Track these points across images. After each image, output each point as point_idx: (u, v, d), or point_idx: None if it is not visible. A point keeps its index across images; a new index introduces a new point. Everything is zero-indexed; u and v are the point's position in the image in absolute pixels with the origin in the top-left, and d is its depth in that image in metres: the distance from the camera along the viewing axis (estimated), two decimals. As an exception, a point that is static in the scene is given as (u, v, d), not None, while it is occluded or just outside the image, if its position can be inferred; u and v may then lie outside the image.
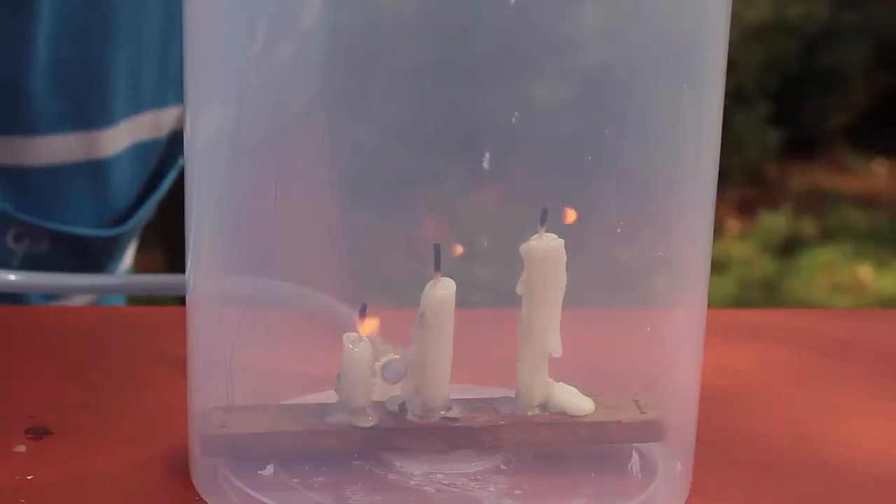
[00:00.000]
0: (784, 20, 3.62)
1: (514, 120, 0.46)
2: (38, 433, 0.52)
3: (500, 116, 0.46)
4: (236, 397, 0.48)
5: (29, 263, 0.81)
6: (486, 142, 0.46)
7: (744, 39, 3.44)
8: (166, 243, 1.01)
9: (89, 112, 0.81)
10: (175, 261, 0.98)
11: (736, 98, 3.41)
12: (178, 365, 0.50)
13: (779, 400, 0.60)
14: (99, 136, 0.81)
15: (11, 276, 0.67)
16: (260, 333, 0.50)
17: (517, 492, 0.47)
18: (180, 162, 0.88)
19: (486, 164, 0.46)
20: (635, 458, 0.49)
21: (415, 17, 0.46)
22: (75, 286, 0.72)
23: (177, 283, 0.71)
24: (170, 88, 0.85)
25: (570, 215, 0.47)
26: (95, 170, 0.83)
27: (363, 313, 0.46)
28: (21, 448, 0.51)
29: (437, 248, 0.46)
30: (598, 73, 0.47)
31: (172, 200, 0.89)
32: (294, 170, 0.49)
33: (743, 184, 3.47)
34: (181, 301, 0.60)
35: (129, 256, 0.92)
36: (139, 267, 0.98)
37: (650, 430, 0.48)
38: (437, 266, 0.46)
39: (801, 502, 0.50)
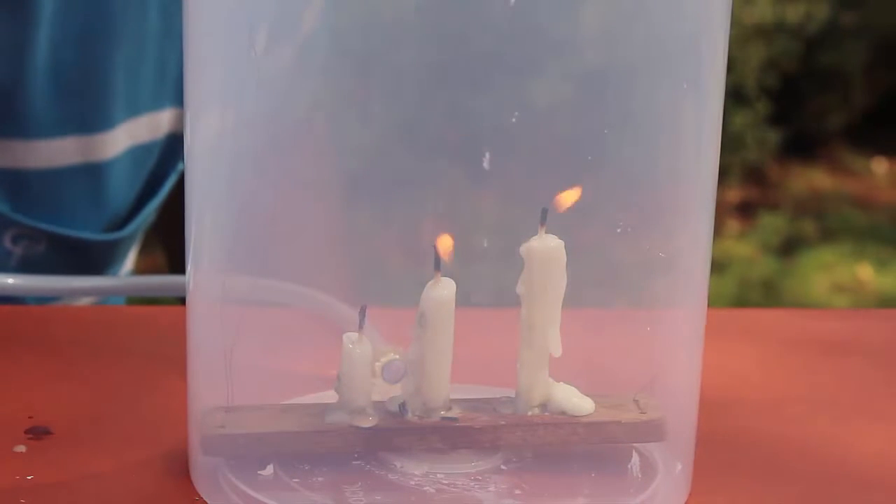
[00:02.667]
0: (784, 20, 3.62)
1: (514, 120, 0.46)
2: (38, 433, 0.52)
3: (500, 116, 0.46)
4: (236, 397, 0.48)
5: (27, 265, 0.81)
6: (486, 142, 0.46)
7: (744, 39, 3.44)
8: (167, 244, 1.01)
9: (88, 115, 0.81)
10: (176, 261, 0.98)
11: (736, 98, 3.40)
12: (178, 365, 0.50)
13: (779, 400, 0.60)
14: (97, 139, 0.82)
15: (10, 280, 0.67)
16: (260, 333, 0.50)
17: (517, 492, 0.47)
18: (180, 166, 0.88)
19: (486, 164, 0.46)
20: (635, 458, 0.49)
21: (415, 18, 0.46)
22: (74, 289, 0.72)
23: (176, 285, 0.71)
24: (167, 90, 0.85)
25: (568, 199, 0.46)
26: (93, 173, 0.82)
27: (363, 317, 0.46)
28: (21, 448, 0.51)
29: (437, 248, 0.46)
30: (598, 73, 0.47)
31: (174, 201, 0.89)
32: (294, 170, 0.49)
33: (743, 184, 3.47)
34: (181, 301, 0.60)
35: (130, 260, 0.92)
36: (140, 268, 0.98)
37: (650, 430, 0.48)
38: (437, 266, 0.46)
39: (801, 502, 0.50)
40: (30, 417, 0.53)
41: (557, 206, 0.46)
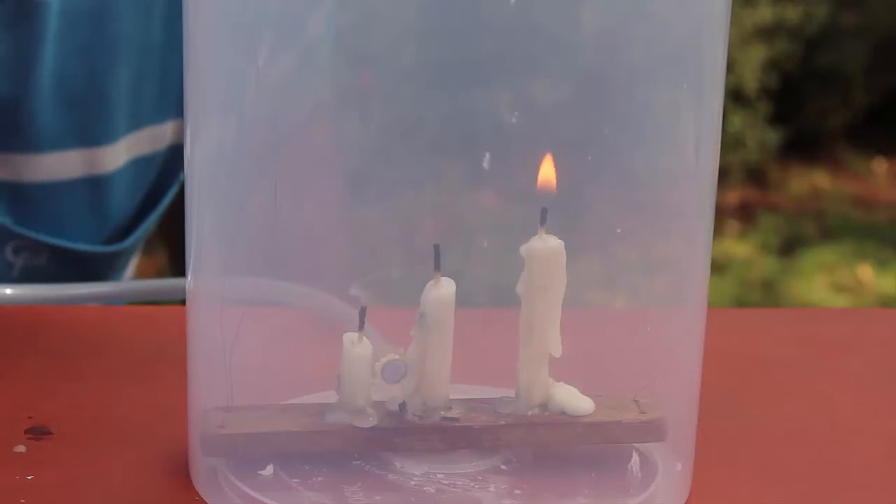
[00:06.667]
0: (784, 20, 3.62)
1: (514, 120, 0.46)
2: (38, 433, 0.52)
3: (500, 116, 0.46)
4: (236, 397, 0.48)
5: (28, 276, 0.81)
6: (486, 142, 0.46)
7: (744, 39, 3.44)
8: (169, 243, 1.01)
9: (91, 129, 0.81)
10: (178, 260, 0.98)
11: (736, 98, 3.41)
12: (179, 365, 0.51)
13: (779, 400, 0.60)
14: (100, 152, 0.82)
15: (8, 290, 0.68)
16: (260, 333, 0.50)
17: (517, 492, 0.47)
18: (181, 177, 0.88)
19: (486, 164, 0.46)
20: (635, 458, 0.49)
21: (415, 18, 0.46)
22: (73, 296, 0.72)
23: (176, 289, 0.71)
24: (170, 104, 0.85)
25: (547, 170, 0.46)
26: (95, 185, 0.83)
27: (363, 317, 0.46)
28: (21, 448, 0.51)
29: (437, 248, 0.46)
30: (598, 73, 0.47)
31: (177, 201, 0.89)
32: (294, 171, 0.49)
33: (743, 184, 3.47)
34: (182, 301, 0.59)
35: (130, 270, 0.92)
36: (142, 268, 0.98)
37: (650, 430, 0.48)
38: (437, 266, 0.46)
39: (801, 502, 0.50)
40: (30, 417, 0.53)
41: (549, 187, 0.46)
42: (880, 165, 3.72)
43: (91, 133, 0.81)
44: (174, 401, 0.52)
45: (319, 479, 0.47)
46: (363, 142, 0.48)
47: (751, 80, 3.47)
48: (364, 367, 0.46)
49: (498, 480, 0.47)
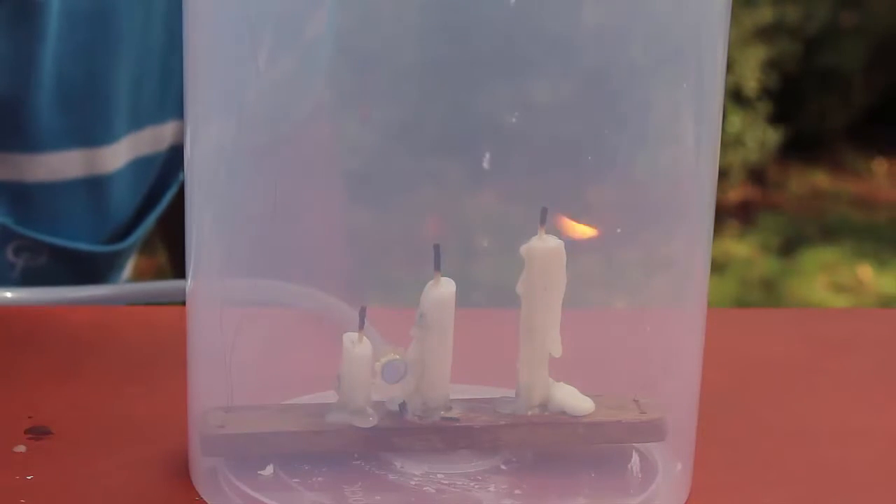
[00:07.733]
0: (784, 20, 3.62)
1: (514, 120, 0.46)
2: (38, 433, 0.52)
3: (500, 116, 0.46)
4: (236, 397, 0.48)
5: (28, 276, 0.81)
6: (486, 142, 0.46)
7: (744, 39, 3.44)
8: (169, 245, 1.01)
9: (91, 129, 0.81)
10: (178, 259, 0.99)
11: (736, 98, 3.41)
12: (178, 365, 0.51)
13: (779, 400, 0.60)
14: (100, 152, 0.82)
15: (8, 294, 0.68)
16: (260, 333, 0.50)
17: (517, 492, 0.47)
18: (181, 177, 0.88)
19: (486, 164, 0.46)
20: (635, 458, 0.49)
21: (415, 18, 0.46)
22: (73, 299, 0.72)
23: (175, 290, 0.71)
24: (171, 104, 0.85)
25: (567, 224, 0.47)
26: (96, 185, 0.83)
27: (363, 317, 0.46)
28: (21, 448, 0.51)
29: (437, 248, 0.46)
30: (598, 73, 0.47)
31: (177, 201, 0.89)
32: (294, 171, 0.49)
33: (743, 184, 3.47)
34: (181, 302, 0.59)
35: (128, 270, 0.92)
36: (142, 268, 0.98)
37: (650, 430, 0.48)
38: (437, 266, 0.46)
39: (801, 502, 0.50)
40: (30, 417, 0.53)
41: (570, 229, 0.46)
42: (880, 165, 3.72)
43: (91, 133, 0.81)
44: (174, 401, 0.52)
45: (319, 479, 0.47)
46: (363, 142, 0.48)
47: (751, 80, 3.47)
48: (364, 367, 0.46)
49: (498, 480, 0.47)
